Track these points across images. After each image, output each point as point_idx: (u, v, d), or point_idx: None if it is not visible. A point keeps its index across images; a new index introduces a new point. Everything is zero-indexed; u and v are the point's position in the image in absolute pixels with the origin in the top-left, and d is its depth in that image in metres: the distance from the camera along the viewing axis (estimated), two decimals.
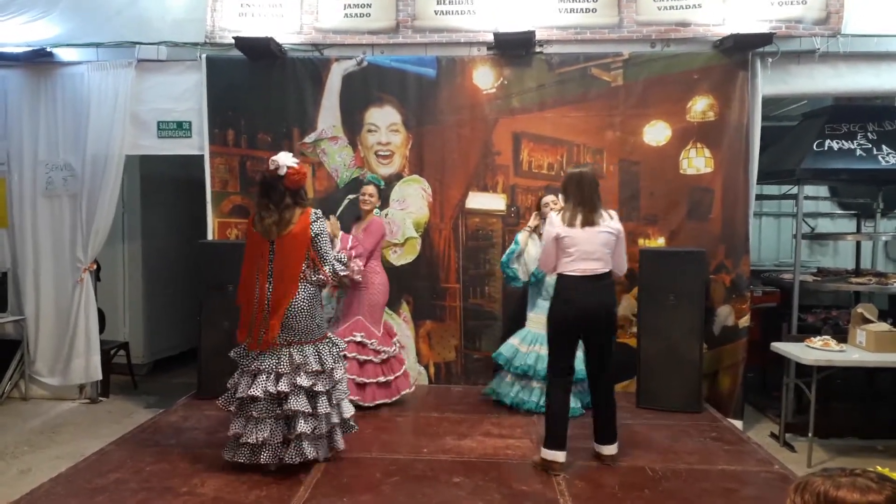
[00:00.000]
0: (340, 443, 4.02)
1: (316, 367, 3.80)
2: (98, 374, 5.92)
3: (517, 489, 3.71)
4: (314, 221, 3.83)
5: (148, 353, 6.95)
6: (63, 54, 5.83)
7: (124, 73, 5.73)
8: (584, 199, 3.91)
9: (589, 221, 3.89)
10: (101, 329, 6.12)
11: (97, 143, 5.76)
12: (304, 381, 3.76)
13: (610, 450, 4.04)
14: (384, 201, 5.62)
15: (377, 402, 5.02)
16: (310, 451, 3.81)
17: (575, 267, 3.89)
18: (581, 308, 3.89)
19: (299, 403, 3.75)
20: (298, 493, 3.60)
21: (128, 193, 6.54)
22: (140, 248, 6.82)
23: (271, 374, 3.78)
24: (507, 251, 5.11)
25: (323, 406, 3.81)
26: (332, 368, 3.90)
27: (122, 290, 6.78)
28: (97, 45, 5.78)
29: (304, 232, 3.80)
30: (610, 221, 3.95)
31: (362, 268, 5.02)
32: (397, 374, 5.15)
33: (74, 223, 5.88)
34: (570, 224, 3.90)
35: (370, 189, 5.21)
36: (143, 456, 4.13)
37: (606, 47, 5.59)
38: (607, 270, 3.94)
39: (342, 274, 4.10)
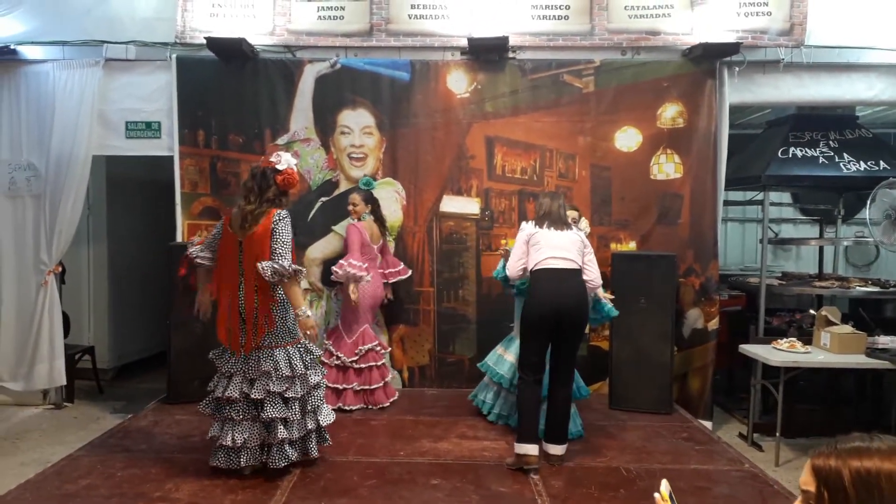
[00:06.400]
0: (314, 450, 3.97)
1: (286, 371, 3.74)
2: (62, 380, 5.78)
3: (495, 490, 3.73)
4: (276, 221, 3.72)
5: (114, 358, 6.81)
6: (28, 52, 5.68)
7: (91, 73, 5.61)
8: (552, 210, 4.14)
9: (557, 226, 4.08)
10: (66, 333, 5.97)
11: (62, 142, 5.63)
12: (275, 386, 3.72)
13: (558, 450, 4.07)
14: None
15: (381, 405, 5.18)
16: (291, 454, 3.81)
17: (545, 258, 4.00)
18: (554, 301, 3.94)
19: (276, 410, 3.73)
20: (275, 497, 3.57)
21: (93, 194, 6.41)
22: (106, 250, 6.69)
23: (245, 376, 3.76)
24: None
25: (294, 412, 3.77)
26: (306, 373, 3.84)
27: (87, 294, 6.64)
28: (63, 43, 5.65)
29: (266, 231, 3.71)
30: (578, 231, 4.17)
31: (354, 287, 5.03)
32: (347, 385, 5.13)
33: (38, 224, 5.73)
34: (540, 226, 4.10)
35: (354, 198, 5.22)
36: (114, 461, 4.05)
37: (578, 54, 5.66)
38: (578, 268, 4.03)
39: (284, 273, 3.72)
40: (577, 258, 4.03)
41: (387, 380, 5.29)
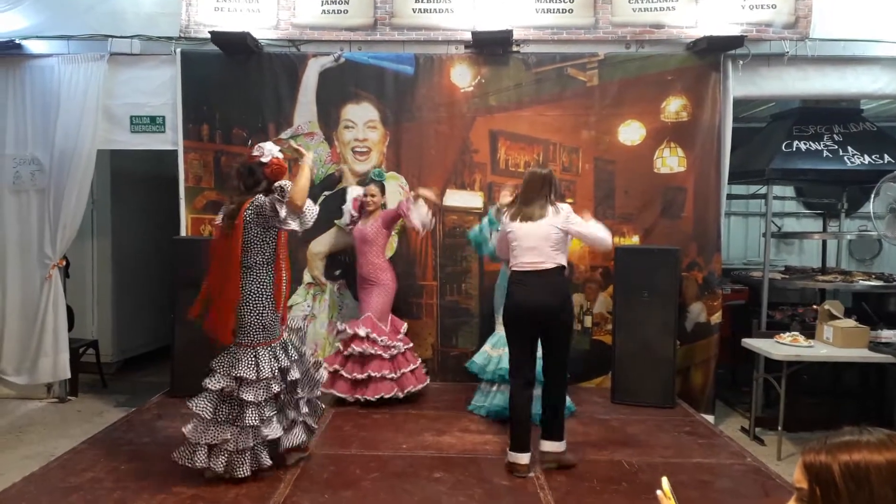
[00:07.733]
0: (261, 459, 3.70)
1: (251, 374, 3.59)
2: (66, 373, 5.80)
3: (498, 484, 3.74)
4: (248, 208, 3.63)
5: (117, 352, 6.83)
6: (33, 46, 5.70)
7: (96, 67, 5.62)
8: (526, 197, 4.01)
9: (527, 217, 3.92)
10: (70, 327, 5.98)
11: (66, 137, 5.63)
12: (213, 384, 3.64)
13: (556, 446, 4.01)
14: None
15: (379, 396, 4.99)
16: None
17: (518, 261, 3.96)
18: (526, 303, 3.88)
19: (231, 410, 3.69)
20: (279, 489, 3.58)
21: (98, 189, 6.42)
22: (110, 244, 6.70)
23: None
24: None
25: (250, 417, 3.59)
26: (269, 379, 3.65)
27: (91, 287, 6.66)
28: (68, 37, 5.66)
29: (240, 219, 3.62)
30: (555, 216, 3.91)
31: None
32: (404, 370, 5.12)
33: (42, 218, 5.74)
34: (514, 219, 4.00)
35: (371, 188, 5.24)
36: (118, 454, 4.08)
37: (582, 47, 5.65)
38: (553, 266, 3.89)
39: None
40: (550, 254, 3.88)
41: (385, 373, 5.07)
